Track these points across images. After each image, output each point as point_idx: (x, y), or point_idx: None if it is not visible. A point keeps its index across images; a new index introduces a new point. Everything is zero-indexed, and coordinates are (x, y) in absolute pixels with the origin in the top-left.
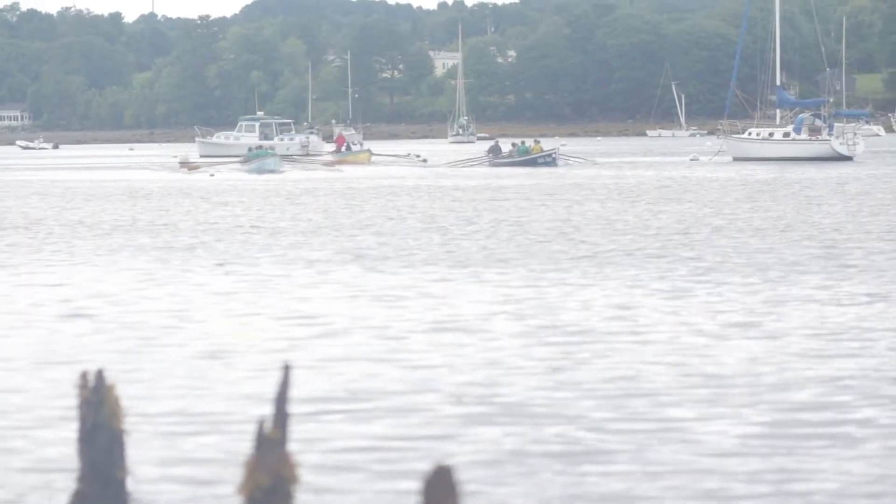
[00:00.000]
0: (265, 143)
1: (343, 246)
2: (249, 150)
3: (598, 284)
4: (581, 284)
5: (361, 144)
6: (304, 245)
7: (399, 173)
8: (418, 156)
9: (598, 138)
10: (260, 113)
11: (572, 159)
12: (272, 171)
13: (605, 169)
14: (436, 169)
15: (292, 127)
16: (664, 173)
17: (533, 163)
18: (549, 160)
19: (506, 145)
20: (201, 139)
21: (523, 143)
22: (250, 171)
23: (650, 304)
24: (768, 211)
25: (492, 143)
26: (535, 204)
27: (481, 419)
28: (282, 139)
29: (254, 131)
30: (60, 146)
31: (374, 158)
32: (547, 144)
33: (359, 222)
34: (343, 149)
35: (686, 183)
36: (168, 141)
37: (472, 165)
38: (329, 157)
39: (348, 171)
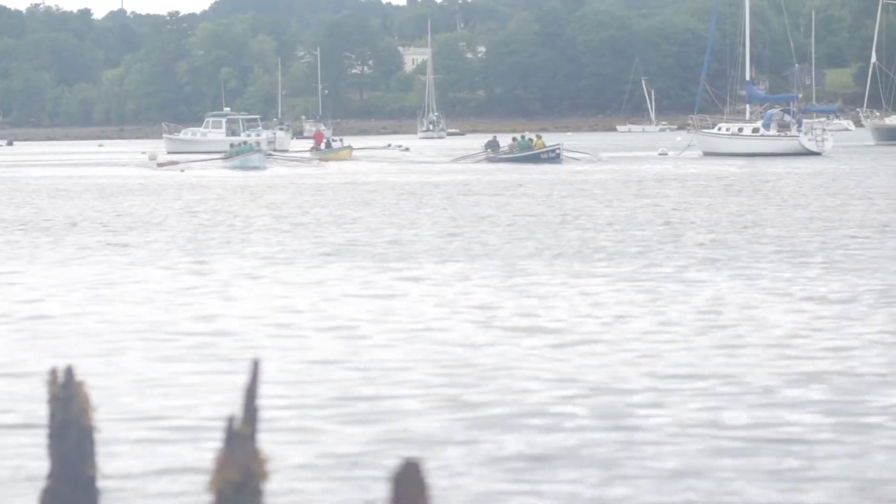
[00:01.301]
0: (248, 139)
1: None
2: (231, 146)
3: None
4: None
5: (342, 140)
6: (268, 242)
7: (386, 169)
8: (400, 146)
9: (569, 133)
10: (227, 109)
11: (577, 154)
12: (256, 168)
13: (606, 164)
14: (438, 165)
15: (259, 123)
16: (631, 167)
17: (535, 159)
18: (553, 156)
19: (505, 140)
20: (169, 135)
21: (524, 136)
22: (233, 168)
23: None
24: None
25: (489, 137)
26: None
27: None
28: (248, 135)
29: (220, 127)
30: (14, 143)
31: (355, 154)
32: (552, 139)
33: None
34: (322, 145)
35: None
36: (138, 137)
37: (475, 161)
38: (308, 154)
39: (332, 167)
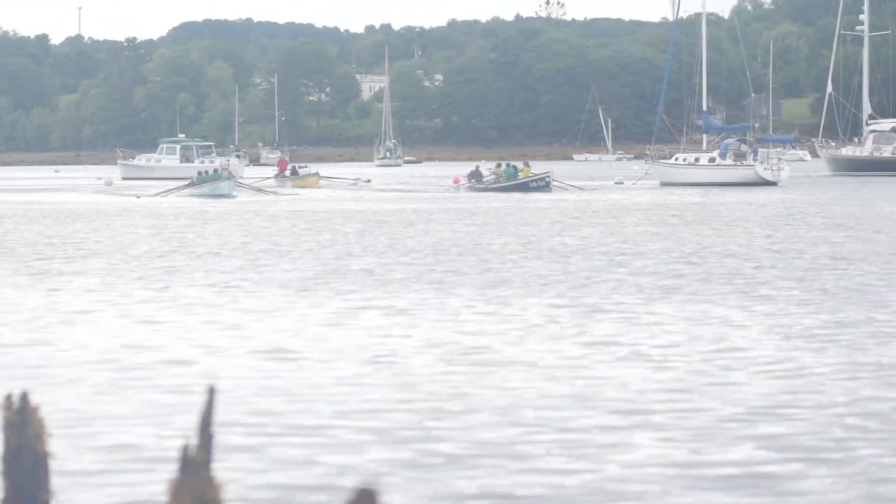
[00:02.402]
0: (202, 165)
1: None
2: (199, 173)
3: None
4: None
5: (308, 167)
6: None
7: (368, 197)
8: (368, 181)
9: (481, 162)
10: (181, 135)
11: (567, 185)
12: (226, 196)
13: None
14: (436, 194)
15: (213, 150)
16: (588, 197)
17: (524, 187)
18: (543, 184)
19: (486, 168)
20: (123, 161)
21: (509, 165)
22: (201, 195)
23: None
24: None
25: (472, 167)
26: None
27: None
28: (202, 161)
29: (174, 154)
30: None
31: (322, 182)
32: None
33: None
34: (288, 172)
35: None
36: (94, 163)
37: (456, 191)
38: (272, 182)
39: (304, 194)
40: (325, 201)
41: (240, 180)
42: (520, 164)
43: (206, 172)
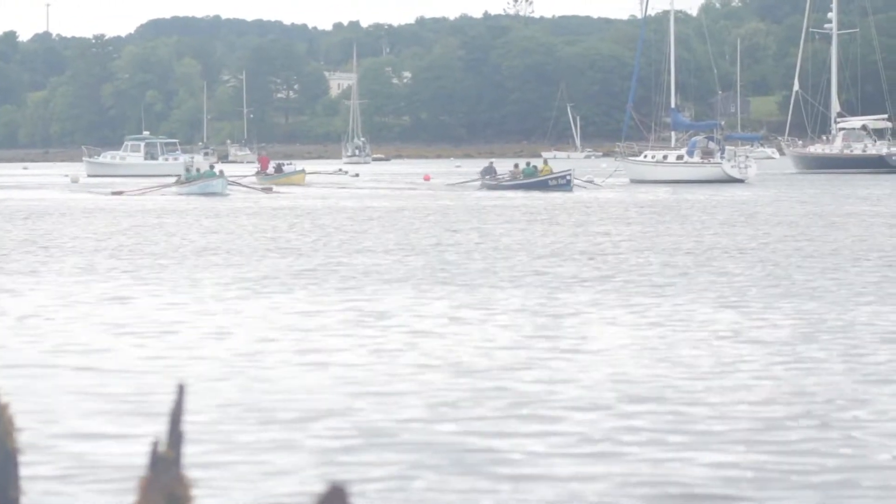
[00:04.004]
0: (166, 163)
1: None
2: (188, 170)
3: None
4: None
5: (293, 164)
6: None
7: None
8: (346, 172)
9: (493, 160)
10: (146, 132)
11: (585, 182)
12: (217, 194)
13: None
14: (435, 191)
15: (178, 147)
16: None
17: (543, 186)
18: (563, 183)
19: (502, 166)
20: (88, 159)
21: (528, 163)
22: (190, 193)
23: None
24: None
25: (486, 164)
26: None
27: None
28: (166, 159)
29: (139, 151)
30: None
31: (308, 178)
32: (477, 165)
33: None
34: (271, 170)
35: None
36: (63, 160)
37: (466, 188)
38: (253, 179)
39: (295, 192)
40: (328, 198)
41: (231, 178)
42: (539, 164)
43: (198, 170)
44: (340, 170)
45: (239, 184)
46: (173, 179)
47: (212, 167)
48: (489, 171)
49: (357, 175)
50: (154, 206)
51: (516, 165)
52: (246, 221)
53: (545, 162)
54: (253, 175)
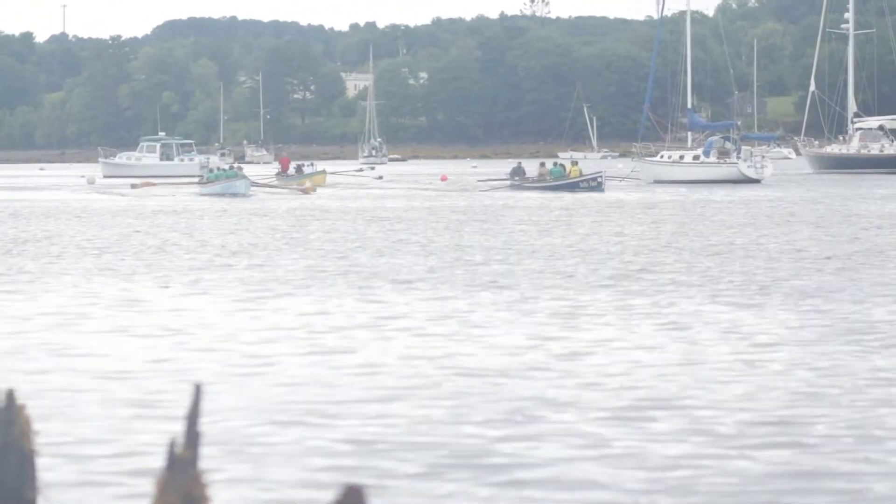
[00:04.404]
0: (181, 163)
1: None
2: (210, 171)
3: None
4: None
5: (314, 165)
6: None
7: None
8: (372, 168)
9: (510, 160)
10: (162, 133)
11: (617, 179)
12: (241, 195)
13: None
14: (471, 192)
15: (193, 147)
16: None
17: (573, 187)
18: (595, 185)
19: (531, 166)
20: (104, 160)
21: (556, 163)
22: (212, 194)
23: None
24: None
25: (514, 164)
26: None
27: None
28: (182, 159)
29: (154, 152)
30: None
31: (329, 179)
32: (494, 166)
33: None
34: (292, 170)
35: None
36: (79, 161)
37: (496, 188)
38: (274, 180)
39: (322, 193)
40: (359, 199)
41: (255, 179)
42: (566, 164)
43: (220, 170)
44: (361, 169)
45: (270, 186)
46: (196, 179)
47: (231, 167)
48: (518, 171)
49: (381, 177)
50: (183, 206)
51: (542, 164)
52: (316, 226)
53: (574, 163)
54: (274, 176)
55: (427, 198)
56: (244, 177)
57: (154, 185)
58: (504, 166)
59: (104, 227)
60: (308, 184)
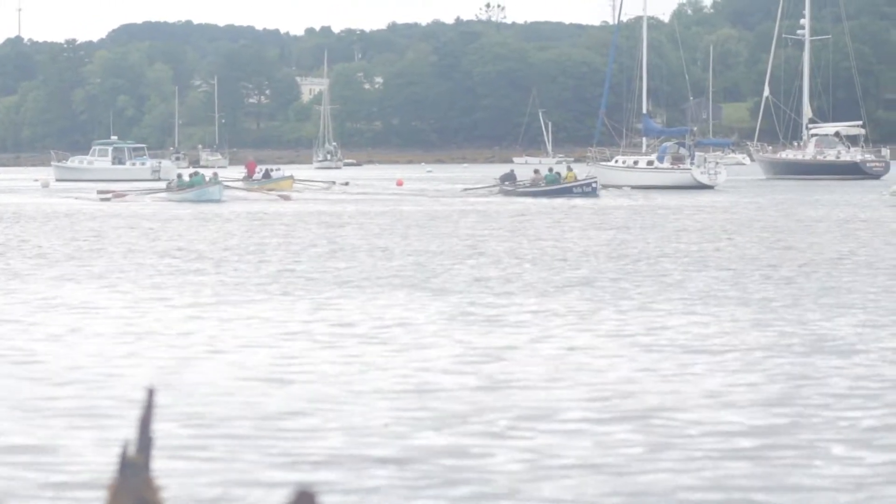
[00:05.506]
0: (133, 168)
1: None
2: (179, 176)
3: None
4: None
5: (281, 170)
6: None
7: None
8: (346, 183)
9: (465, 165)
10: (114, 137)
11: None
12: (214, 201)
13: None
14: (447, 199)
15: (145, 151)
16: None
17: (567, 192)
18: (589, 190)
19: (523, 171)
20: (57, 163)
21: (551, 170)
22: (182, 200)
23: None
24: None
25: (506, 170)
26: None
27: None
28: (134, 164)
29: (107, 156)
30: None
31: (296, 185)
32: (449, 171)
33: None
34: (259, 175)
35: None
36: (34, 165)
37: (483, 194)
38: (240, 184)
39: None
40: (334, 203)
41: (227, 184)
42: (562, 170)
43: (191, 176)
44: (334, 183)
45: (244, 190)
46: (164, 185)
47: (196, 173)
48: (509, 177)
49: (347, 183)
50: (168, 213)
51: (536, 171)
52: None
53: (569, 168)
54: (240, 180)
55: (410, 203)
56: (218, 183)
57: (125, 195)
58: (460, 171)
59: (68, 231)
60: (287, 192)
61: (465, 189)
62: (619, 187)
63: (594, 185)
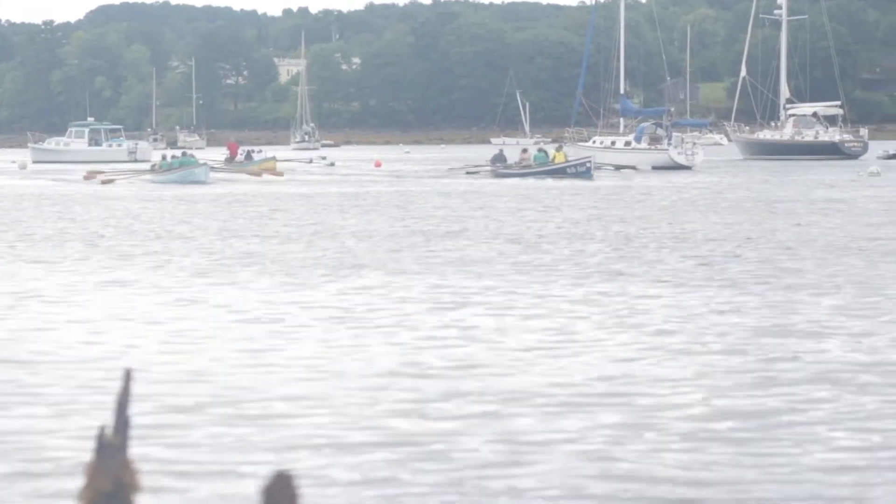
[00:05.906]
0: (109, 148)
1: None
2: (163, 158)
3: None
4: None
5: (262, 151)
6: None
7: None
8: (323, 158)
9: (442, 146)
10: (91, 119)
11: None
12: (199, 182)
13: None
14: (450, 179)
15: (122, 133)
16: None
17: (560, 173)
18: (583, 170)
19: (512, 151)
20: (33, 145)
21: (540, 149)
22: (167, 182)
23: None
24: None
25: (495, 151)
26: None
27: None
28: (110, 145)
29: (83, 137)
30: None
31: (279, 166)
32: (426, 151)
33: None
34: (241, 157)
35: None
36: (11, 147)
37: (474, 174)
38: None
39: (278, 180)
40: (326, 184)
41: (213, 165)
42: (549, 150)
43: (175, 157)
44: (312, 161)
45: (230, 171)
46: (148, 167)
47: (184, 154)
48: (499, 158)
49: (333, 164)
50: (135, 194)
51: (525, 150)
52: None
53: (558, 148)
54: (222, 162)
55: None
56: (203, 164)
57: (113, 179)
58: (437, 151)
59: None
60: (277, 168)
61: (468, 172)
62: (618, 168)
63: (588, 165)
